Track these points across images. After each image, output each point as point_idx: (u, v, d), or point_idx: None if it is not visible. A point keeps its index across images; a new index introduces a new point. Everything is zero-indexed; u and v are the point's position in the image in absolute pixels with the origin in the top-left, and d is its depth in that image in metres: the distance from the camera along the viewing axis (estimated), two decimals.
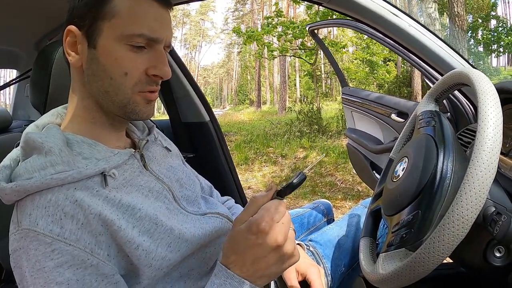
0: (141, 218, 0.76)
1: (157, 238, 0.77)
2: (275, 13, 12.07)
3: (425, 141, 0.92)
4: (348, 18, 1.47)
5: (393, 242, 0.80)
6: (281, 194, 0.74)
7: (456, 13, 10.19)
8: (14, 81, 1.82)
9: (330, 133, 9.31)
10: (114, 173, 0.77)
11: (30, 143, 0.74)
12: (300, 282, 1.06)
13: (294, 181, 0.74)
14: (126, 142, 0.91)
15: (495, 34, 18.27)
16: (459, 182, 0.78)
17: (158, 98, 1.07)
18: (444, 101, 1.58)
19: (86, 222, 0.68)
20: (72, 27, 0.78)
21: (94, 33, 0.76)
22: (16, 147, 0.82)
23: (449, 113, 1.64)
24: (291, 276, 1.05)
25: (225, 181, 2.09)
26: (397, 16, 1.31)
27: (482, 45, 19.37)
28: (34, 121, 1.77)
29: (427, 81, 1.63)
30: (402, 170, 0.92)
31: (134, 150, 0.85)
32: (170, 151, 1.02)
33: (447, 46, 1.37)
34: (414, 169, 0.87)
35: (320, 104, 11.13)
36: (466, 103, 1.56)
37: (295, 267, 1.07)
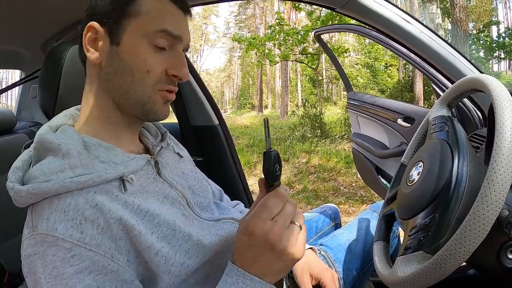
0: (160, 224, 0.75)
1: (176, 244, 0.76)
2: (277, 21, 12.12)
3: (439, 145, 0.93)
4: (355, 23, 1.48)
5: (411, 245, 0.81)
6: (269, 184, 0.71)
7: (458, 18, 10.23)
8: (21, 82, 1.81)
9: (333, 137, 9.31)
10: (132, 178, 0.76)
11: (45, 144, 0.72)
12: (314, 286, 1.07)
13: (266, 164, 0.69)
14: (139, 147, 0.89)
15: (497, 40, 18.30)
16: (475, 186, 0.80)
17: None
18: None
19: (106, 227, 0.67)
20: (94, 23, 0.78)
21: (118, 30, 0.76)
22: (25, 149, 0.80)
23: (455, 118, 1.65)
24: (305, 280, 1.06)
25: (233, 185, 2.07)
26: (408, 22, 1.32)
27: (483, 50, 19.42)
28: (39, 122, 1.78)
29: (435, 87, 1.65)
30: (418, 175, 0.94)
31: (149, 156, 0.84)
32: (182, 157, 1.00)
33: (457, 53, 1.39)
34: (429, 173, 0.89)
35: (322, 109, 11.13)
36: (473, 108, 1.58)
37: (309, 271, 1.07)
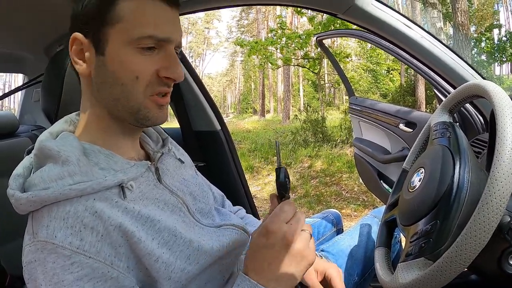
0: (160, 230, 0.75)
1: (176, 250, 0.76)
2: (278, 25, 12.16)
3: (441, 152, 0.93)
4: (357, 28, 1.48)
5: (412, 252, 0.81)
6: (281, 195, 0.82)
7: (460, 22, 10.22)
8: (24, 86, 1.82)
9: (335, 142, 9.30)
10: (131, 185, 0.76)
11: (45, 151, 0.72)
12: (320, 282, 1.06)
13: (278, 179, 0.82)
14: (140, 154, 0.89)
15: (499, 43, 18.26)
16: (476, 192, 0.80)
17: (169, 106, 1.05)
18: None
19: (106, 233, 0.67)
20: (77, 35, 0.76)
21: (101, 40, 0.74)
22: (28, 154, 0.80)
23: (457, 123, 1.65)
24: (312, 277, 1.05)
25: (235, 190, 2.07)
26: (410, 28, 1.32)
27: (485, 54, 19.37)
28: (41, 126, 1.79)
29: (437, 93, 1.65)
30: (419, 181, 0.94)
31: (150, 163, 0.84)
32: (183, 162, 0.99)
33: (459, 58, 1.39)
34: (431, 180, 0.89)
35: (325, 113, 11.12)
36: (475, 113, 1.57)
37: (314, 267, 1.07)
